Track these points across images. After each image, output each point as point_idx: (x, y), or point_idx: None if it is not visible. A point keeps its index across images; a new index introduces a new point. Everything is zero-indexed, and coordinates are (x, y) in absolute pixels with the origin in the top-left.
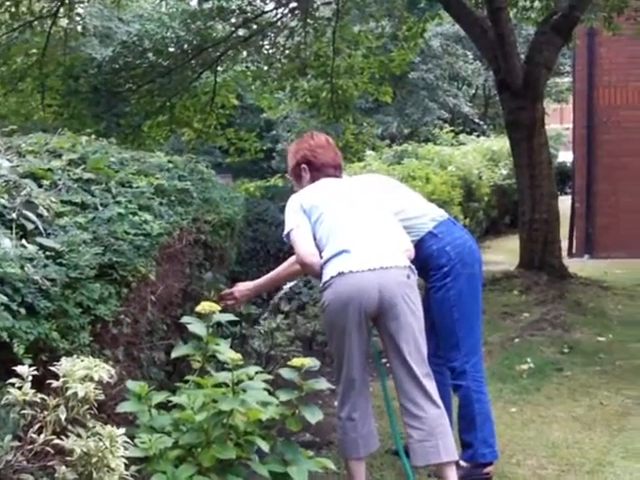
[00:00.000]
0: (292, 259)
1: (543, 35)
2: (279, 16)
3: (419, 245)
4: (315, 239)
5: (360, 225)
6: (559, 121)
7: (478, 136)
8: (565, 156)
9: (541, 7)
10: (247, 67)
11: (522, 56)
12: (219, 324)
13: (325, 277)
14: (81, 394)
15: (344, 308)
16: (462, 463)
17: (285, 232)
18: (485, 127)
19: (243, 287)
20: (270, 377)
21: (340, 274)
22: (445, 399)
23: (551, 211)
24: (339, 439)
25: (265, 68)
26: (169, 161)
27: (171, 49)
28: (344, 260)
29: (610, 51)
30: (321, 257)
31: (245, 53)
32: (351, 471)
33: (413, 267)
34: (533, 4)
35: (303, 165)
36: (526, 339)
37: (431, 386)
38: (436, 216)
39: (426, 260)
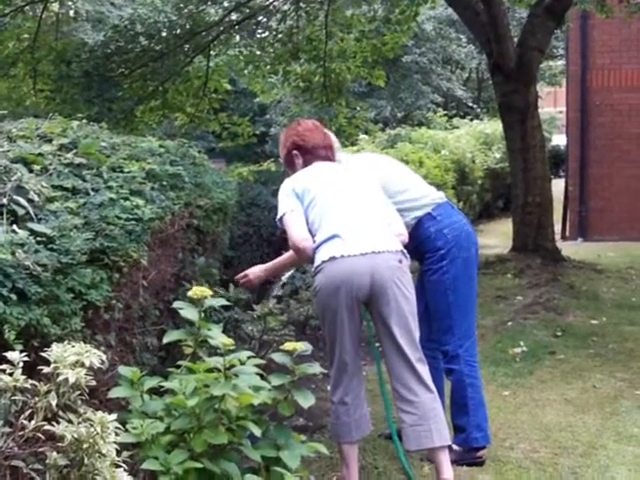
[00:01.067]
0: None
1: (536, 18)
2: (271, 0)
3: (417, 226)
4: (307, 223)
5: (352, 209)
6: (553, 104)
7: (471, 120)
8: (559, 139)
9: None
10: (240, 51)
11: (515, 39)
12: (212, 309)
13: (317, 261)
14: (72, 380)
15: (336, 292)
16: (455, 447)
17: (278, 216)
18: (478, 110)
19: (257, 269)
20: (262, 362)
21: (332, 258)
22: (438, 383)
23: (544, 194)
24: (332, 423)
25: (258, 52)
26: (161, 146)
27: (163, 33)
28: (336, 244)
29: (603, 34)
30: (314, 241)
31: (238, 37)
32: (344, 455)
33: (405, 252)
34: None
35: (294, 151)
36: (519, 322)
37: (424, 370)
38: (436, 198)
39: (423, 242)
